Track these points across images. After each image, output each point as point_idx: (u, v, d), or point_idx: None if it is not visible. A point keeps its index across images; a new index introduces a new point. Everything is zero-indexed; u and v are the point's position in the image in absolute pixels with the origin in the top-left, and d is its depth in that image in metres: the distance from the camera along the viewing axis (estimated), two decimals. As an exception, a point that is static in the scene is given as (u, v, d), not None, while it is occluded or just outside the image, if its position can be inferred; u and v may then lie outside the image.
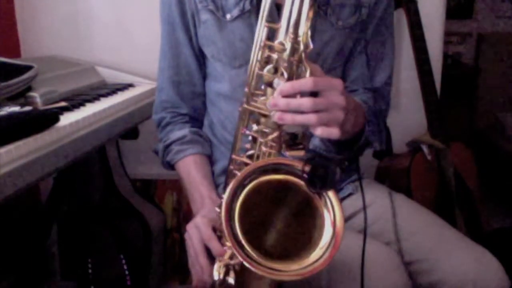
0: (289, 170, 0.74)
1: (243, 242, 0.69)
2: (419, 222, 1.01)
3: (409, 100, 1.69)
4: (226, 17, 0.99)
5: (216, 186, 1.06)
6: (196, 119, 1.12)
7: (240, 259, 0.68)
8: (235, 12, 0.98)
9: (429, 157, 1.56)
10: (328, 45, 1.00)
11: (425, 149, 1.57)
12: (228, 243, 0.79)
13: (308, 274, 0.69)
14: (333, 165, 0.71)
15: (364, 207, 0.83)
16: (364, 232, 0.82)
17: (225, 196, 0.71)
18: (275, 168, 0.74)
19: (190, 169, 1.02)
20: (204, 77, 1.10)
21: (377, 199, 1.03)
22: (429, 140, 1.57)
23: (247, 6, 0.97)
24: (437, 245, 0.95)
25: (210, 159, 1.09)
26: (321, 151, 0.97)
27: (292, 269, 0.69)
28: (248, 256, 0.69)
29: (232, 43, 1.00)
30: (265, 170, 0.74)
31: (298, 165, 0.73)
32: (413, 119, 1.66)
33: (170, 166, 1.08)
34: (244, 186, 0.73)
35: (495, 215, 2.17)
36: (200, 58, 1.08)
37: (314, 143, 0.99)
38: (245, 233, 0.70)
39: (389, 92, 1.13)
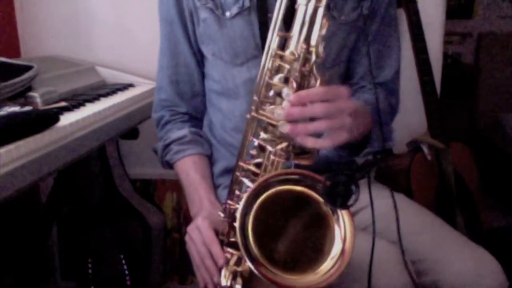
0: (308, 183, 0.73)
1: (255, 250, 0.70)
2: (419, 222, 1.01)
3: (409, 100, 1.68)
4: (226, 15, 0.98)
5: (216, 186, 1.06)
6: (195, 118, 1.12)
7: (252, 268, 0.68)
8: (235, 9, 0.97)
9: (429, 157, 1.56)
10: (331, 40, 0.99)
11: (425, 149, 1.56)
12: (231, 250, 0.80)
13: (322, 284, 0.70)
14: (354, 184, 0.70)
15: (372, 207, 0.83)
16: (373, 230, 0.81)
17: (241, 204, 0.71)
18: (296, 179, 0.74)
19: (189, 169, 1.02)
20: (203, 76, 1.10)
21: (377, 199, 1.03)
22: (429, 140, 1.56)
23: (247, 3, 0.96)
24: (436, 246, 0.95)
25: (210, 160, 1.09)
26: (334, 158, 0.98)
27: (306, 279, 0.70)
28: (260, 265, 0.69)
29: (233, 40, 0.99)
30: (285, 180, 0.73)
31: (320, 179, 0.72)
32: (413, 119, 1.65)
33: (169, 165, 1.08)
34: (260, 194, 0.72)
35: (495, 215, 2.16)
36: (199, 57, 1.07)
37: (322, 151, 0.99)
38: (257, 242, 0.70)
39: (398, 86, 1.12)
